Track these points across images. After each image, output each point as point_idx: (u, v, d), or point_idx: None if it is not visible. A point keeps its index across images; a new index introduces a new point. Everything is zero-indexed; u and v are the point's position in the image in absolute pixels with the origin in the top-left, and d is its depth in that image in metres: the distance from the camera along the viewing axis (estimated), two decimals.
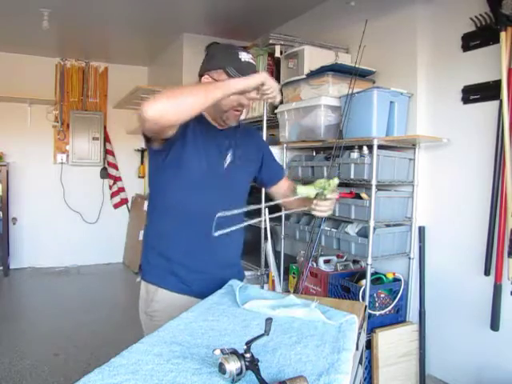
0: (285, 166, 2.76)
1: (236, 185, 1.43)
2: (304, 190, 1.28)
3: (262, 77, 1.20)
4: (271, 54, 2.88)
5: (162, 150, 1.30)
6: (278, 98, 1.25)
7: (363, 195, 2.27)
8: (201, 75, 1.38)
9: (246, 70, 1.29)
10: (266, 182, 1.57)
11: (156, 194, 1.41)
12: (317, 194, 1.28)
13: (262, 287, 2.68)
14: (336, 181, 1.28)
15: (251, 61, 1.33)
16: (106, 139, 5.14)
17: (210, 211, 1.26)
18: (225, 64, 1.30)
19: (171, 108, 1.09)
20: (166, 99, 1.09)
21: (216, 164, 1.36)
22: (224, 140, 1.39)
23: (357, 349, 1.00)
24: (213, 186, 1.35)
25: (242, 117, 1.43)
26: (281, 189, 1.57)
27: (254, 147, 1.51)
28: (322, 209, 1.31)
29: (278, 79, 2.87)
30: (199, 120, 1.33)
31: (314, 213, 1.33)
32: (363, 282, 2.26)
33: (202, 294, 1.28)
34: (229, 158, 1.38)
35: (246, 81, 1.18)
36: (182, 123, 1.18)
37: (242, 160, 1.41)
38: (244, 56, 1.31)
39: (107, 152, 5.14)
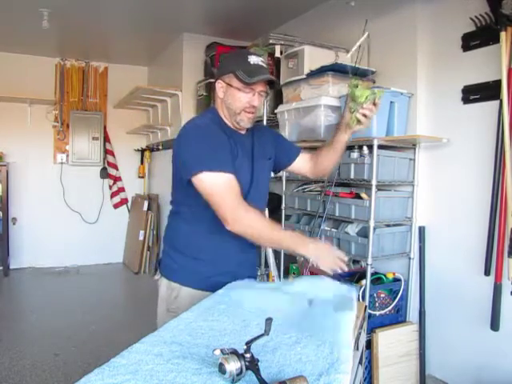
0: None
1: (261, 182, 1.50)
2: (359, 91, 1.39)
3: (329, 265, 1.27)
4: (271, 54, 2.88)
5: None
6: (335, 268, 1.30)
7: (363, 195, 2.27)
8: (216, 80, 1.44)
9: (255, 72, 1.33)
10: (286, 161, 1.63)
11: (185, 198, 1.43)
12: (366, 98, 1.39)
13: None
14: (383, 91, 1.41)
15: (261, 63, 1.36)
16: (106, 139, 5.14)
17: None
18: (234, 68, 1.35)
19: (250, 237, 1.32)
20: (250, 233, 1.30)
21: (245, 167, 1.42)
22: (246, 143, 1.46)
23: (357, 349, 1.00)
24: (246, 188, 1.41)
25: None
26: (305, 162, 1.64)
27: (268, 142, 1.57)
28: (367, 112, 1.40)
29: (277, 79, 2.86)
30: (224, 129, 1.39)
31: (357, 116, 1.41)
32: (363, 282, 2.26)
33: (222, 287, 1.33)
34: (253, 160, 1.45)
35: (315, 257, 1.27)
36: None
37: (261, 159, 1.49)
38: (253, 59, 1.35)
39: (107, 152, 5.14)
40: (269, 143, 1.57)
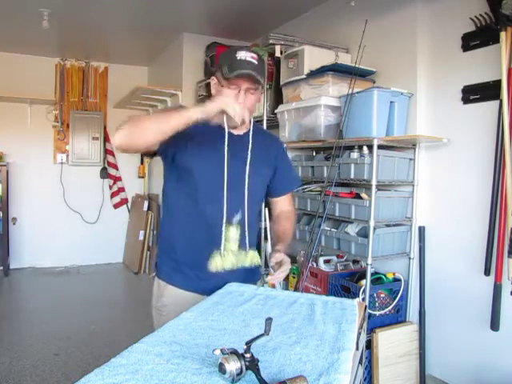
0: None
1: (248, 189, 1.38)
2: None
3: (219, 103, 1.18)
4: (271, 54, 2.88)
5: (164, 156, 1.35)
6: (241, 122, 1.21)
7: (363, 195, 2.27)
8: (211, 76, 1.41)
9: (237, 67, 1.25)
10: (271, 191, 1.54)
11: (166, 197, 1.45)
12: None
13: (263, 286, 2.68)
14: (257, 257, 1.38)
15: (250, 59, 1.27)
16: (106, 139, 5.13)
17: (218, 215, 1.32)
18: (222, 63, 1.30)
19: (135, 135, 1.17)
20: (128, 128, 1.17)
21: (224, 169, 1.33)
22: (238, 145, 1.36)
23: (357, 349, 1.00)
24: (221, 190, 1.33)
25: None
26: (278, 203, 1.56)
27: (271, 154, 1.48)
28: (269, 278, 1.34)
29: (277, 79, 2.87)
30: (210, 127, 1.32)
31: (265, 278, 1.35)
32: (363, 282, 2.26)
33: (210, 292, 1.30)
34: (241, 163, 1.36)
35: (203, 108, 1.17)
36: (158, 143, 1.21)
37: (256, 165, 1.38)
38: (241, 54, 1.27)
39: (107, 152, 5.14)
40: (272, 154, 1.48)
